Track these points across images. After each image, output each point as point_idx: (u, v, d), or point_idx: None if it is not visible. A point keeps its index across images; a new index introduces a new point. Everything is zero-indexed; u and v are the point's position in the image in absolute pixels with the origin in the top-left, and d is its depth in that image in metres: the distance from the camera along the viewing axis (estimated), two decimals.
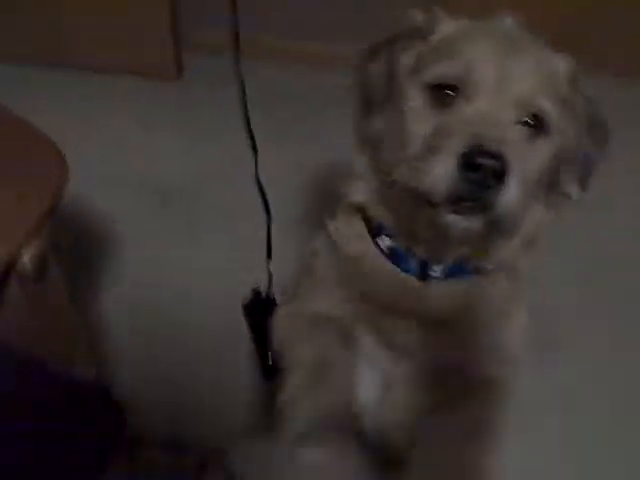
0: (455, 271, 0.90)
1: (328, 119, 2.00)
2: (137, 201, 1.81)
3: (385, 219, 0.91)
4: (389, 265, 0.92)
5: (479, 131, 0.74)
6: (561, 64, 0.88)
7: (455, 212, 0.76)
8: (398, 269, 0.91)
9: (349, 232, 0.96)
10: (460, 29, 0.86)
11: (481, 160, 0.71)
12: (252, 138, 1.90)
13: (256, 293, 1.57)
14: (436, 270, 0.90)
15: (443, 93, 0.80)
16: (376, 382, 0.97)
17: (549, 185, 0.88)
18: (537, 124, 0.82)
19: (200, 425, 1.35)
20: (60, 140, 0.98)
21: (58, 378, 0.95)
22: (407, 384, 0.95)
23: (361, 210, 0.94)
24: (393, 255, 0.91)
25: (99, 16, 2.08)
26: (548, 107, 0.82)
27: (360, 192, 0.92)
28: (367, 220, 0.94)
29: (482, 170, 0.71)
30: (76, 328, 1.04)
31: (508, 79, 0.79)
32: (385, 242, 0.92)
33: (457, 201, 0.75)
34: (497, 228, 0.78)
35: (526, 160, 0.79)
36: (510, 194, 0.74)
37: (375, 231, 0.92)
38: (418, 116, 0.82)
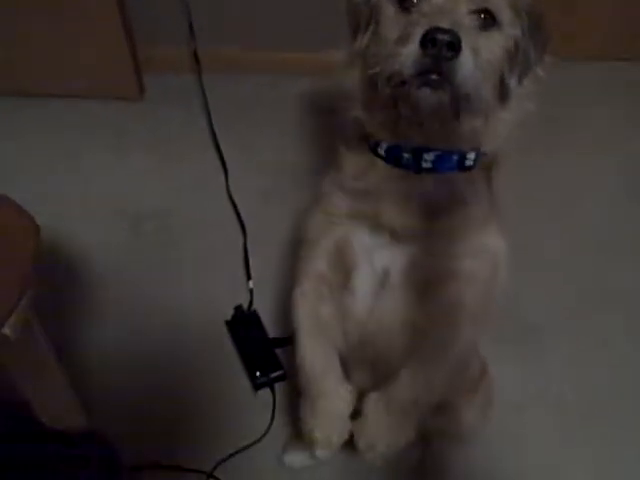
0: (442, 163, 1.03)
1: (294, 125, 2.04)
2: (112, 226, 1.86)
3: (377, 127, 1.04)
4: (388, 166, 1.05)
5: (435, 17, 0.89)
6: None
7: (423, 85, 0.89)
8: (396, 168, 1.04)
9: (354, 157, 1.10)
10: None
11: (436, 35, 0.85)
12: (221, 157, 1.92)
13: (239, 309, 1.60)
14: (427, 159, 1.02)
15: (408, 1, 0.95)
16: (373, 279, 1.08)
17: (501, 80, 1.00)
18: (489, 18, 0.95)
19: (199, 441, 1.45)
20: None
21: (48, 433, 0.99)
22: (403, 278, 1.07)
23: (359, 132, 1.07)
24: (390, 155, 1.04)
25: (54, 42, 2.08)
26: (498, 1, 0.95)
27: (355, 107, 1.05)
28: (366, 139, 1.07)
29: (438, 44, 0.85)
30: (61, 376, 1.08)
31: None
32: (382, 148, 1.04)
33: (423, 74, 0.88)
34: (461, 99, 0.91)
35: (481, 43, 0.92)
36: (466, 63, 0.88)
37: (373, 145, 1.06)
38: (390, 22, 0.97)
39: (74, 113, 2.14)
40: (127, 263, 1.77)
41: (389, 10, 0.98)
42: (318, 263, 1.13)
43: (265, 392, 1.52)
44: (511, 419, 1.47)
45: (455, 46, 0.86)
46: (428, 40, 0.85)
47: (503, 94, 1.01)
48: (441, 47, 0.85)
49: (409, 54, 0.88)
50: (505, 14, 0.96)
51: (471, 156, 1.04)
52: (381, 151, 1.05)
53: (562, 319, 1.65)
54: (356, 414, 1.12)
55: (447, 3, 0.92)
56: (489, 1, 0.94)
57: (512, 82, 1.00)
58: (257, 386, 1.51)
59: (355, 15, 1.05)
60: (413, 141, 1.02)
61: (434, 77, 0.88)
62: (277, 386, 1.53)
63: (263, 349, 1.55)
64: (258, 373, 1.50)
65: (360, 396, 1.14)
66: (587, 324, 1.65)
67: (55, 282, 1.66)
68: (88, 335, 1.62)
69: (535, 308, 1.67)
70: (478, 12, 0.94)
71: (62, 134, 2.09)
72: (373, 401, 1.10)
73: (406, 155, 1.02)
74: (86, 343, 1.60)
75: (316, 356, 1.13)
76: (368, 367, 1.17)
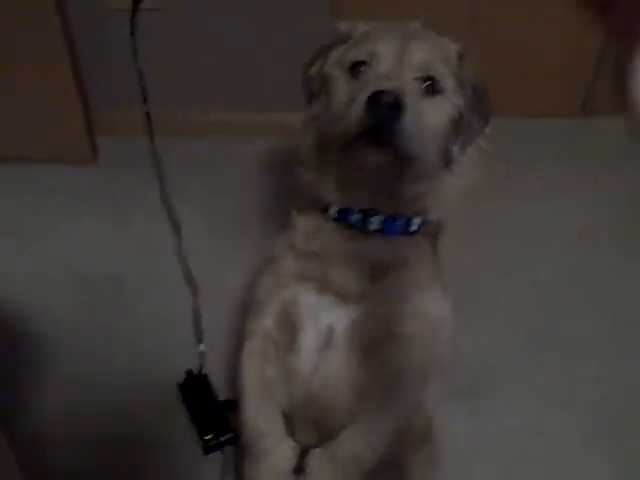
0: (388, 226, 1.08)
1: (249, 186, 2.06)
2: (64, 289, 1.85)
3: (327, 189, 1.10)
4: (337, 226, 1.11)
5: (380, 82, 0.95)
6: (452, 45, 1.08)
7: (367, 144, 0.96)
8: (344, 228, 1.10)
9: (305, 219, 1.16)
10: (372, 27, 1.09)
11: (379, 97, 0.91)
12: (174, 219, 1.93)
13: (189, 373, 1.59)
14: (373, 222, 1.06)
15: (357, 69, 1.02)
16: (318, 339, 1.12)
17: (445, 146, 1.06)
18: (433, 85, 1.01)
19: None
20: None
21: None
22: (346, 338, 1.10)
23: (310, 195, 1.13)
24: (339, 215, 1.09)
25: (8, 106, 2.10)
26: (442, 71, 1.02)
27: (307, 171, 1.12)
28: (317, 202, 1.13)
29: (381, 104, 0.91)
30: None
31: (406, 51, 1.00)
32: (332, 210, 1.10)
33: (368, 134, 0.94)
34: (404, 160, 0.97)
35: (424, 107, 0.98)
36: (408, 125, 0.93)
37: (324, 207, 1.12)
38: (341, 88, 1.04)
39: (27, 176, 2.15)
40: (79, 326, 1.76)
41: (340, 78, 1.05)
42: (266, 322, 1.17)
43: (216, 455, 1.51)
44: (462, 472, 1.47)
45: (397, 107, 0.92)
46: (372, 101, 0.92)
47: (447, 161, 1.06)
48: (384, 108, 0.91)
49: (355, 115, 0.94)
50: (449, 83, 1.03)
51: (416, 221, 1.09)
52: (331, 213, 1.10)
53: (513, 371, 1.67)
54: (300, 470, 1.13)
55: (393, 70, 0.99)
56: (433, 70, 1.01)
57: (455, 150, 1.06)
58: (207, 449, 1.50)
59: (310, 84, 1.13)
60: (362, 203, 1.07)
61: (377, 137, 0.95)
62: (228, 448, 1.52)
63: (213, 412, 1.55)
64: (208, 436, 1.49)
65: (304, 453, 1.16)
66: (539, 375, 1.67)
67: (4, 344, 1.65)
68: (37, 399, 1.59)
69: (486, 361, 1.69)
70: (423, 79, 1.00)
71: (15, 197, 2.10)
72: (316, 457, 1.12)
73: (355, 216, 1.07)
74: (36, 407, 1.58)
75: (260, 414, 1.15)
76: (312, 425, 1.19)
